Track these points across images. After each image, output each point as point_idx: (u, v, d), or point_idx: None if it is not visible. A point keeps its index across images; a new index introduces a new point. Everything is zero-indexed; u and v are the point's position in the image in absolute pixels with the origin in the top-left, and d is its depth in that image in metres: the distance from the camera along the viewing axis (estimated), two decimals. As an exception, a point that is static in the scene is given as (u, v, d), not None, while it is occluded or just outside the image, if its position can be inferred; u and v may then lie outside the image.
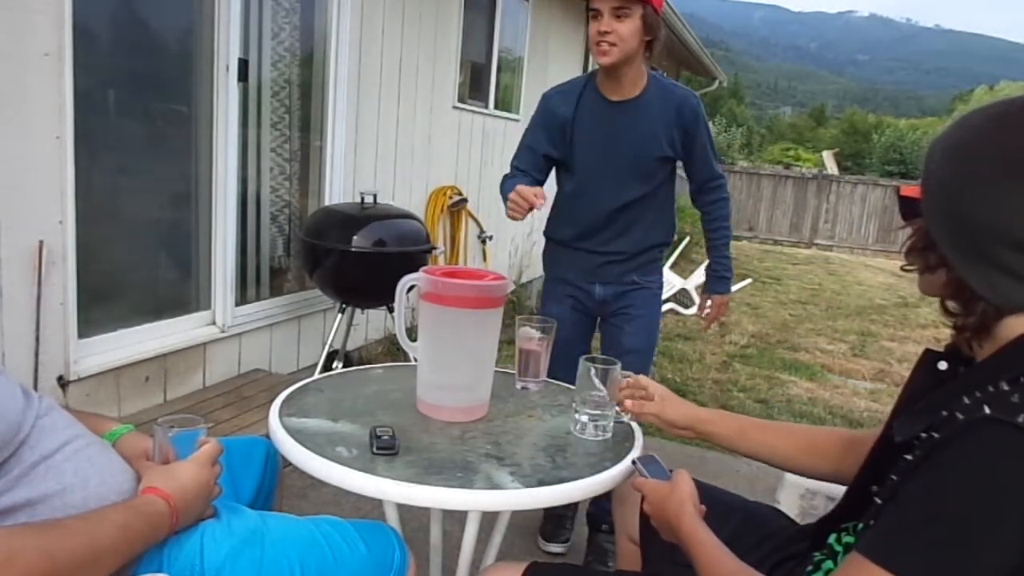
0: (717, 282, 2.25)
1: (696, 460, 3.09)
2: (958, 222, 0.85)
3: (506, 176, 2.21)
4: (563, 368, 1.70)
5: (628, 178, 2.12)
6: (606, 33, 1.93)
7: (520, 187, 1.92)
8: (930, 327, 6.98)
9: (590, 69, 2.31)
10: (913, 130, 36.92)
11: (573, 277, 2.25)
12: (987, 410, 0.78)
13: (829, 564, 1.07)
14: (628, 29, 1.93)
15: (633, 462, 1.27)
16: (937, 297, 0.93)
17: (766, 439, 1.30)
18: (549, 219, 2.32)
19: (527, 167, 2.19)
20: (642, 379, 1.42)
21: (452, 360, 1.47)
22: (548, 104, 2.19)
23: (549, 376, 1.73)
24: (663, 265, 2.30)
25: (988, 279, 0.83)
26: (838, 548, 1.08)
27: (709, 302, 2.28)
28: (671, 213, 2.27)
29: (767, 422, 1.37)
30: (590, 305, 2.25)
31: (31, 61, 2.21)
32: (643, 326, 2.21)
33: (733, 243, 2.32)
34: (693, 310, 6.45)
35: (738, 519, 1.28)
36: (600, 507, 2.22)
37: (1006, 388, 0.80)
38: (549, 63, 6.57)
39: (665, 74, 2.78)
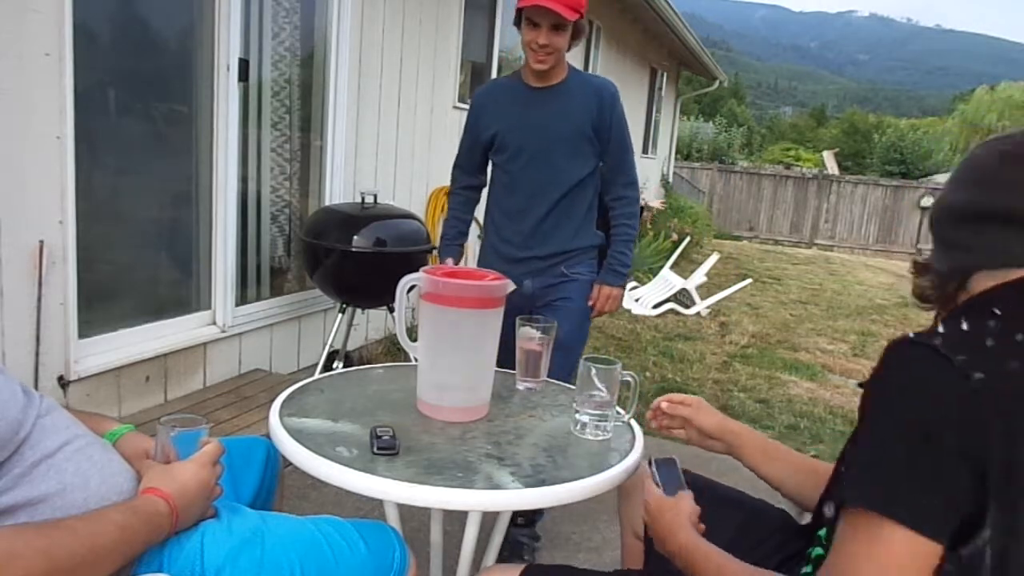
0: (610, 274, 2.27)
1: (702, 457, 3.07)
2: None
3: (445, 217, 2.44)
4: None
5: (556, 156, 2.19)
6: (544, 45, 2.07)
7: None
8: (930, 327, 6.97)
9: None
10: (913, 130, 36.72)
11: (505, 273, 2.29)
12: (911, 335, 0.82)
13: (818, 551, 1.07)
14: (563, 40, 2.09)
15: (649, 461, 1.22)
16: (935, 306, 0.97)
17: (792, 472, 1.25)
18: (485, 223, 2.39)
19: (465, 163, 2.39)
20: (675, 396, 1.41)
21: (452, 360, 1.47)
22: (475, 100, 2.34)
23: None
24: (595, 263, 2.34)
25: (943, 256, 0.92)
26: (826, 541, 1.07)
27: (597, 291, 2.26)
28: (594, 218, 2.31)
29: (796, 453, 1.31)
30: (520, 303, 2.17)
31: (31, 61, 2.21)
32: (567, 315, 2.20)
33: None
34: (693, 310, 6.45)
35: (741, 516, 1.28)
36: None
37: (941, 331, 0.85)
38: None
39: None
